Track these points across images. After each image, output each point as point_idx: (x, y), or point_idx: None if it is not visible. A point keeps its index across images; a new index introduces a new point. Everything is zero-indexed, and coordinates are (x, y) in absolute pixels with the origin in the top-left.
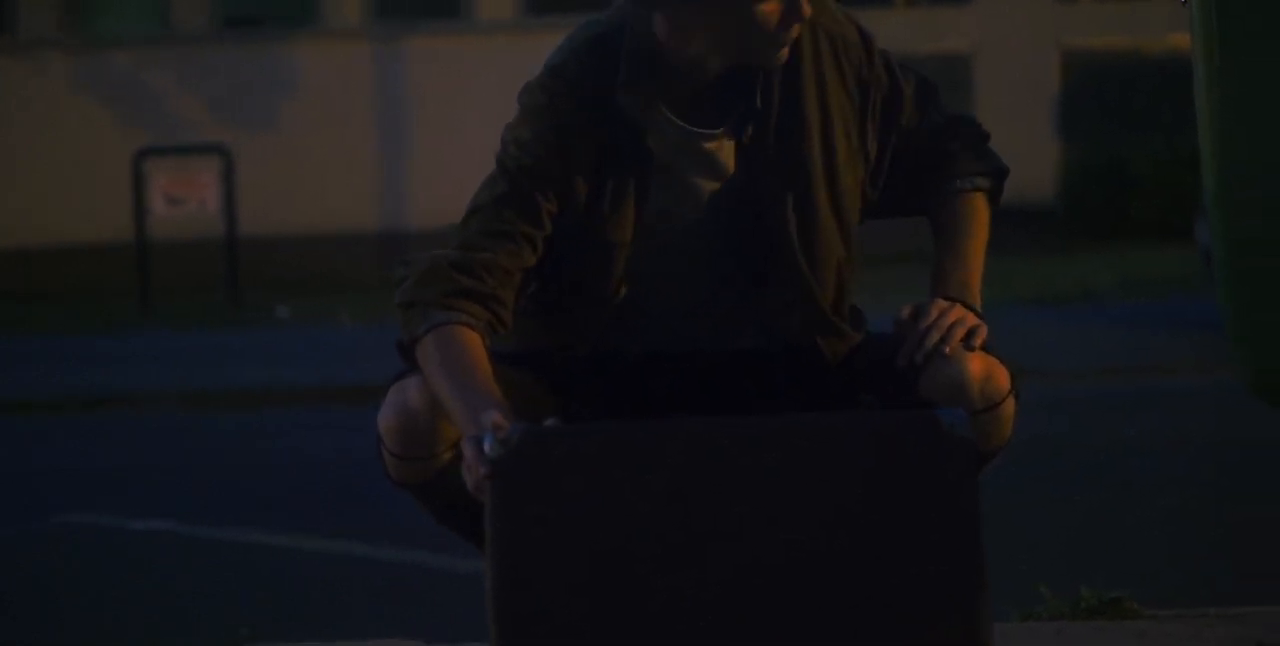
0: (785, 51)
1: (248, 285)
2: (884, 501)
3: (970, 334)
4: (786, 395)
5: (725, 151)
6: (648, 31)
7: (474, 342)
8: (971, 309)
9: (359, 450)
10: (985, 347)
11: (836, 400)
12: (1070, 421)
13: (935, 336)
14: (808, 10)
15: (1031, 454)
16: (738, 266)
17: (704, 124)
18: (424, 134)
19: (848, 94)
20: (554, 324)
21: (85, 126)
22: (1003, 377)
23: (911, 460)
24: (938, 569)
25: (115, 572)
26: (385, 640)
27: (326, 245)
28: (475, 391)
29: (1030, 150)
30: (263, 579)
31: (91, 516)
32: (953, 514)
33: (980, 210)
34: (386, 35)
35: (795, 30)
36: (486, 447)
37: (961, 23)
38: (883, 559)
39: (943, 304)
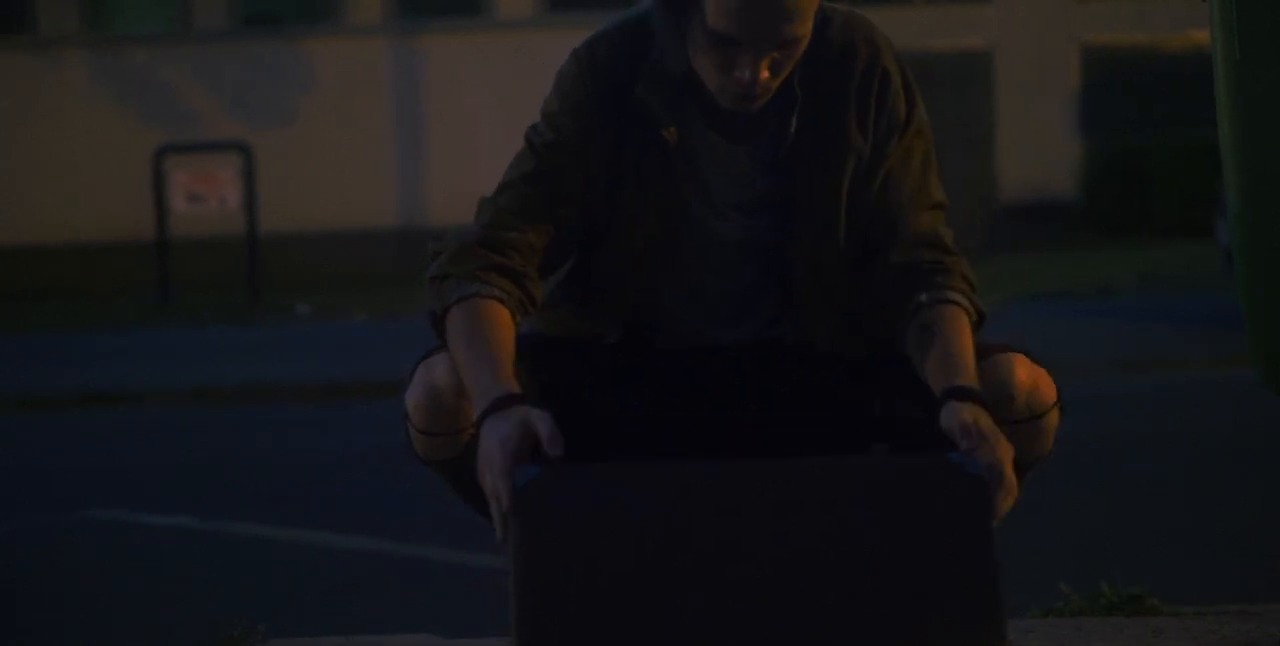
0: (756, 103)
1: (268, 282)
2: (897, 543)
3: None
4: (809, 392)
5: (751, 166)
6: (682, 30)
7: (502, 318)
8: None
9: (375, 446)
10: (1031, 357)
11: (858, 400)
12: (1088, 417)
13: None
14: (765, 75)
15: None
16: (765, 278)
17: (733, 134)
18: (443, 131)
19: (876, 137)
20: (584, 313)
21: (105, 124)
22: (1049, 389)
23: (926, 507)
24: (953, 608)
25: (133, 567)
26: (402, 635)
27: (346, 242)
28: (490, 371)
29: (1050, 146)
30: (280, 573)
31: (110, 511)
32: (969, 557)
33: (965, 322)
34: (405, 32)
35: (757, 84)
36: (518, 482)
37: (981, 20)
38: (897, 594)
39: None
